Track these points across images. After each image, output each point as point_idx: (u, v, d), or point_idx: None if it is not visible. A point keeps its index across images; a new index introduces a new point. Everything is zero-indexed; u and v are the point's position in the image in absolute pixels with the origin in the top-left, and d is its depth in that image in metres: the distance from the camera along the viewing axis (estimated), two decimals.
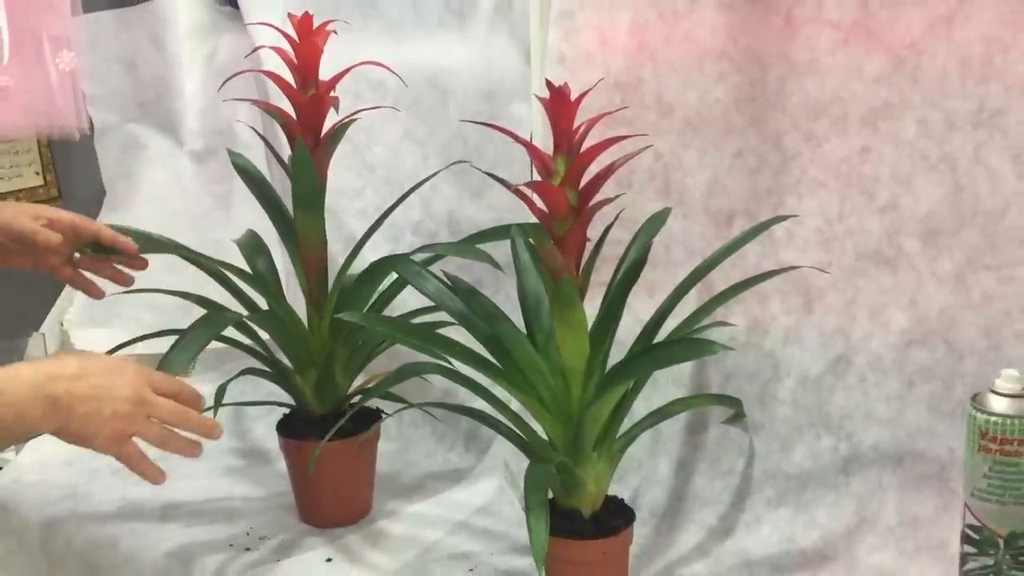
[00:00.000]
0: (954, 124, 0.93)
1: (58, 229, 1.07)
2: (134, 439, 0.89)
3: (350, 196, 1.38)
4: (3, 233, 1.06)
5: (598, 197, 0.87)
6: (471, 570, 1.02)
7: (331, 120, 1.08)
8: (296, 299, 1.16)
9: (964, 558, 0.85)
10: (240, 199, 1.46)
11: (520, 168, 1.17)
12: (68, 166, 1.68)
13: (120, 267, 1.12)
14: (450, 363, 0.96)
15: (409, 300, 1.19)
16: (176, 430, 0.90)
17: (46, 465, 1.28)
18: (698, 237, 1.09)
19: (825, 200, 1.01)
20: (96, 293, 1.14)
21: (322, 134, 1.07)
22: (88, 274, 1.12)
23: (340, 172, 1.34)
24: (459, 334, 0.97)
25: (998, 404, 0.81)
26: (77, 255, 1.10)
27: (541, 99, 0.87)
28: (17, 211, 1.07)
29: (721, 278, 1.04)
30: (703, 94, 1.06)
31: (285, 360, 1.13)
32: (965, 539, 0.85)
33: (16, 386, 0.82)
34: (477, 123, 1.01)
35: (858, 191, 0.99)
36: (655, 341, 0.95)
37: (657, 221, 1.01)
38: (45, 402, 0.83)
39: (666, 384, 1.10)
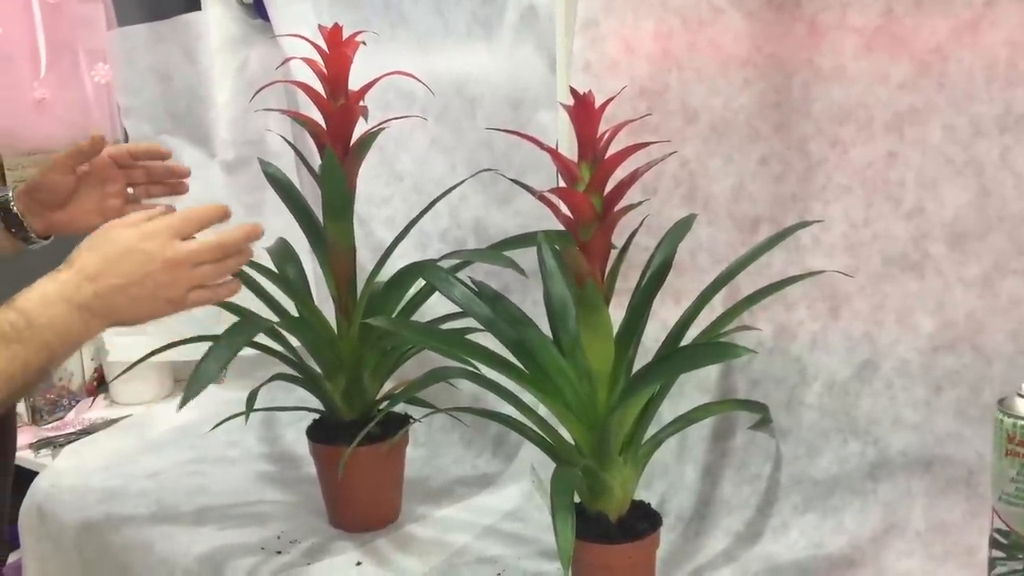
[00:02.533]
0: (980, 129, 0.93)
1: (81, 167, 1.08)
2: (193, 289, 0.88)
3: (378, 204, 1.40)
4: (42, 193, 1.07)
5: (623, 203, 0.88)
6: (499, 574, 1.03)
7: (360, 129, 1.09)
8: (325, 306, 1.17)
9: (992, 563, 0.85)
10: (271, 208, 1.48)
11: (546, 175, 1.18)
12: None
13: (170, 181, 1.15)
14: (477, 368, 0.97)
15: (437, 306, 1.21)
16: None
17: (82, 469, 1.31)
18: (723, 243, 1.09)
19: (851, 205, 1.01)
20: (182, 190, 1.15)
21: (351, 143, 1.09)
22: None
23: (369, 180, 1.36)
24: (486, 340, 0.98)
25: None
26: (130, 190, 1.12)
27: (566, 106, 0.88)
28: (47, 173, 1.08)
29: (747, 285, 1.04)
30: (728, 100, 1.06)
31: (315, 366, 1.14)
32: (993, 544, 0.84)
33: (46, 307, 0.81)
34: (503, 131, 1.02)
35: (884, 196, 0.99)
36: (680, 346, 0.96)
37: (682, 227, 1.02)
38: (80, 312, 0.82)
39: (692, 390, 1.11)
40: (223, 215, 0.93)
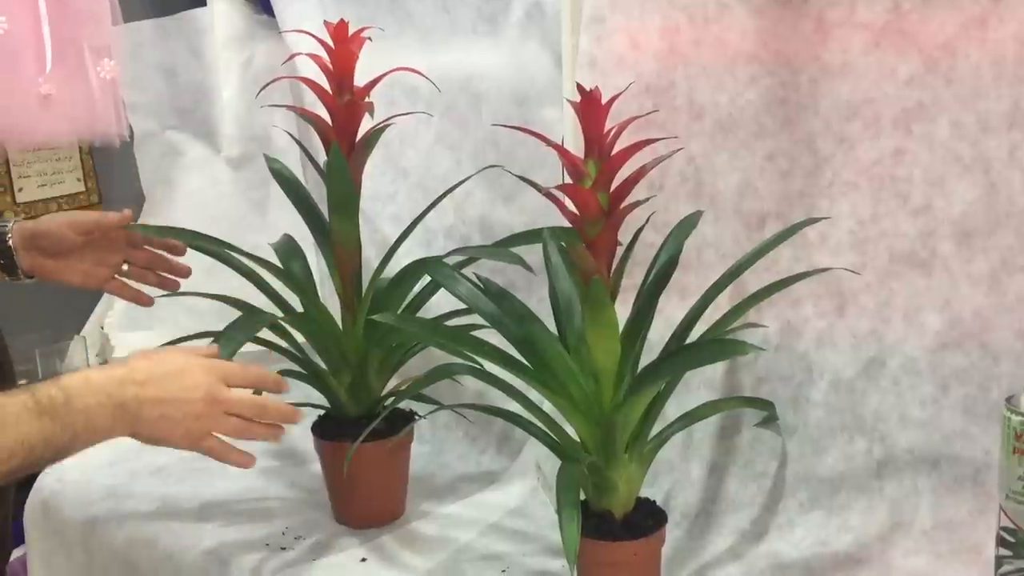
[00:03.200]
0: (988, 125, 0.92)
1: (93, 234, 1.10)
2: (213, 435, 0.89)
3: (384, 200, 1.40)
4: (45, 239, 1.08)
5: (629, 200, 0.88)
6: (504, 571, 1.03)
7: (366, 126, 1.09)
8: (331, 302, 1.17)
9: (999, 561, 0.84)
10: (276, 204, 1.48)
11: (552, 172, 1.18)
12: (108, 172, 1.72)
13: (165, 274, 1.15)
14: (482, 365, 0.97)
15: (442, 303, 1.20)
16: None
17: (88, 465, 1.31)
18: (730, 240, 1.09)
19: (858, 202, 1.00)
20: (146, 302, 1.17)
21: (357, 139, 1.09)
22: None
23: (374, 177, 1.36)
24: (492, 337, 0.98)
25: None
26: (125, 267, 1.13)
27: (572, 103, 0.88)
28: (61, 223, 1.10)
29: (754, 282, 1.04)
30: (734, 97, 1.06)
31: (320, 362, 1.14)
32: (1000, 542, 0.84)
33: (86, 393, 0.82)
34: (509, 127, 1.01)
35: (891, 193, 0.98)
36: (686, 343, 0.95)
37: (688, 224, 1.01)
38: (115, 409, 0.83)
39: (698, 387, 1.10)
40: (277, 387, 0.95)
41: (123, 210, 1.13)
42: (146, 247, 1.15)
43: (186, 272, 1.16)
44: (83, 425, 0.82)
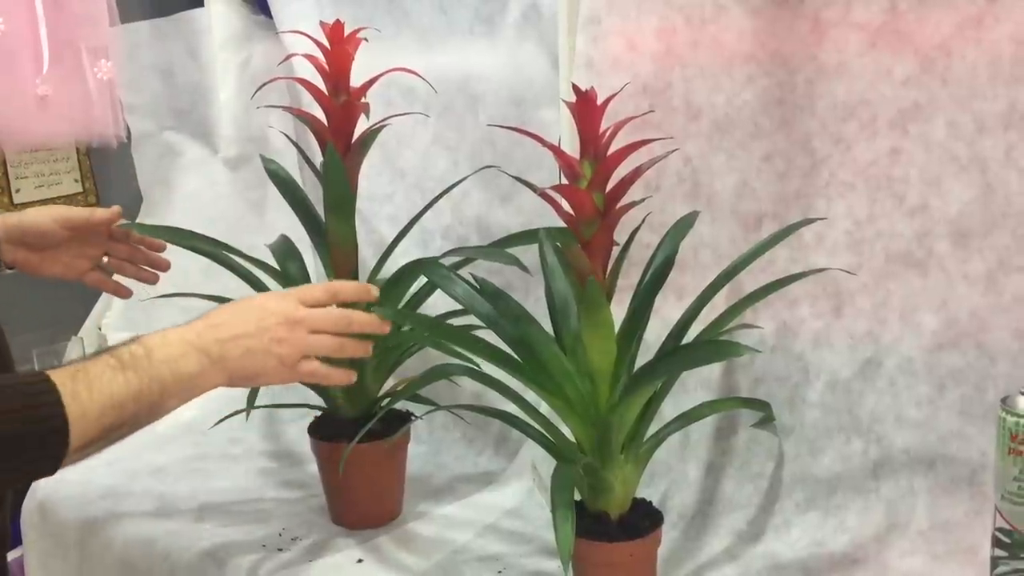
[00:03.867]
0: (984, 125, 0.92)
1: (80, 230, 1.10)
2: (307, 358, 0.88)
3: (381, 201, 1.40)
4: (32, 234, 1.08)
5: (625, 200, 0.88)
6: (500, 572, 1.03)
7: (362, 126, 1.09)
8: None
9: (995, 562, 0.84)
10: (273, 205, 1.48)
11: (548, 173, 1.18)
12: (106, 173, 1.72)
13: (144, 267, 1.15)
14: (478, 365, 0.97)
15: (439, 304, 1.20)
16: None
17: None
18: (727, 241, 1.09)
19: (854, 203, 1.00)
20: (124, 294, 1.17)
21: (353, 140, 1.09)
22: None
23: (371, 178, 1.36)
24: (488, 338, 0.98)
25: None
26: (106, 259, 1.13)
27: (568, 103, 0.88)
28: (47, 218, 1.09)
29: (750, 283, 1.04)
30: (731, 97, 1.06)
31: None
32: (996, 543, 0.84)
33: (165, 345, 0.81)
34: (505, 127, 1.01)
35: (888, 193, 0.98)
36: (682, 344, 0.95)
37: (685, 225, 1.01)
38: (198, 355, 0.82)
39: (695, 388, 1.10)
40: (365, 295, 0.93)
41: (112, 206, 1.12)
42: (127, 242, 1.14)
43: (165, 266, 1.16)
44: (170, 375, 0.80)
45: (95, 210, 1.12)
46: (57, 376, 0.75)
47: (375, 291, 0.92)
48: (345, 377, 0.91)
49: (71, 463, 0.76)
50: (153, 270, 1.16)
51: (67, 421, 0.73)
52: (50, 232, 1.09)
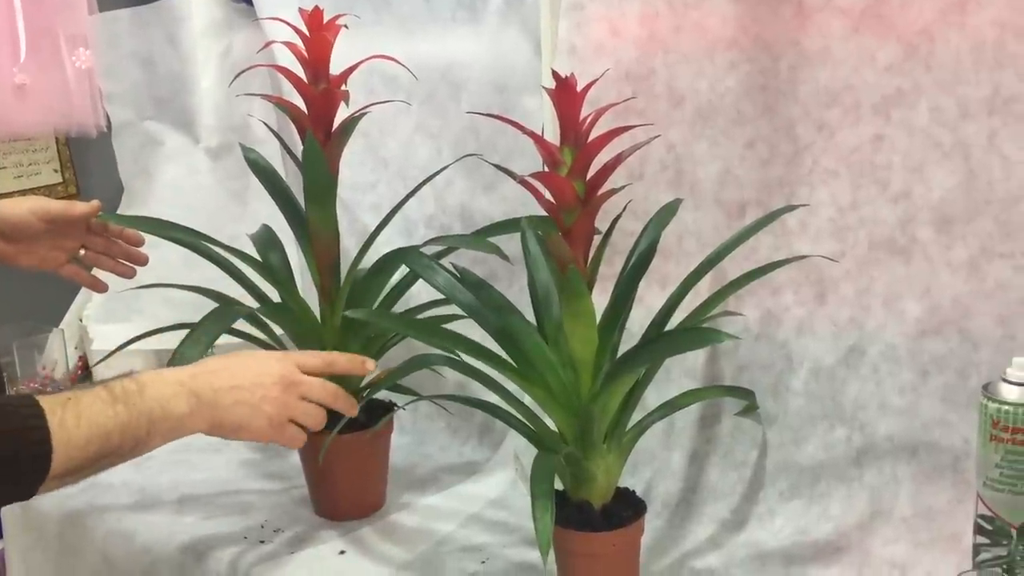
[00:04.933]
0: (968, 111, 0.92)
1: (58, 223, 1.09)
2: (292, 423, 0.89)
3: (364, 190, 1.38)
4: (8, 226, 1.07)
5: (606, 188, 0.87)
6: (483, 562, 1.02)
7: (343, 115, 1.08)
8: (310, 294, 1.16)
9: (977, 548, 0.84)
10: (256, 194, 1.47)
11: (531, 161, 1.17)
12: (86, 163, 1.70)
13: (121, 261, 1.15)
14: (459, 356, 0.96)
15: (422, 293, 1.20)
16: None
17: None
18: (710, 228, 1.08)
19: (837, 189, 1.00)
20: (100, 288, 1.16)
21: (333, 128, 1.08)
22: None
23: (354, 167, 1.35)
24: (471, 327, 0.97)
25: (1010, 393, 0.81)
26: (82, 252, 1.12)
27: (547, 90, 0.87)
28: (25, 210, 1.08)
29: (734, 271, 1.03)
30: (714, 84, 1.05)
31: None
32: (978, 529, 0.84)
33: (159, 383, 0.82)
34: (485, 115, 1.00)
35: (871, 180, 0.98)
36: (664, 331, 0.95)
37: (668, 212, 1.01)
38: (189, 397, 0.83)
39: (679, 376, 1.10)
40: (360, 368, 0.95)
41: (92, 200, 1.11)
42: (104, 235, 1.13)
43: (143, 260, 1.15)
44: (159, 412, 0.81)
45: (74, 204, 1.11)
46: (47, 402, 0.76)
47: (370, 364, 0.95)
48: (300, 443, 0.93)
49: (48, 490, 0.77)
50: (130, 264, 1.15)
51: (51, 447, 0.74)
52: (27, 224, 1.08)
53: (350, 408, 0.93)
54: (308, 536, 1.09)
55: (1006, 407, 0.80)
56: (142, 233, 1.15)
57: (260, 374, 0.87)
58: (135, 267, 1.15)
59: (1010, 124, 0.89)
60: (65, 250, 1.12)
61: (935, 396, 0.95)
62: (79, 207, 1.10)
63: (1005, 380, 0.82)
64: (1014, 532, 0.81)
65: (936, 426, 0.95)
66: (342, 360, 0.93)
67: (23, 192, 1.61)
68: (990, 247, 0.91)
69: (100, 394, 0.79)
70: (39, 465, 0.74)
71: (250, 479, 1.23)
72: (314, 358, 0.92)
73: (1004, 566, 0.82)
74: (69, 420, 0.76)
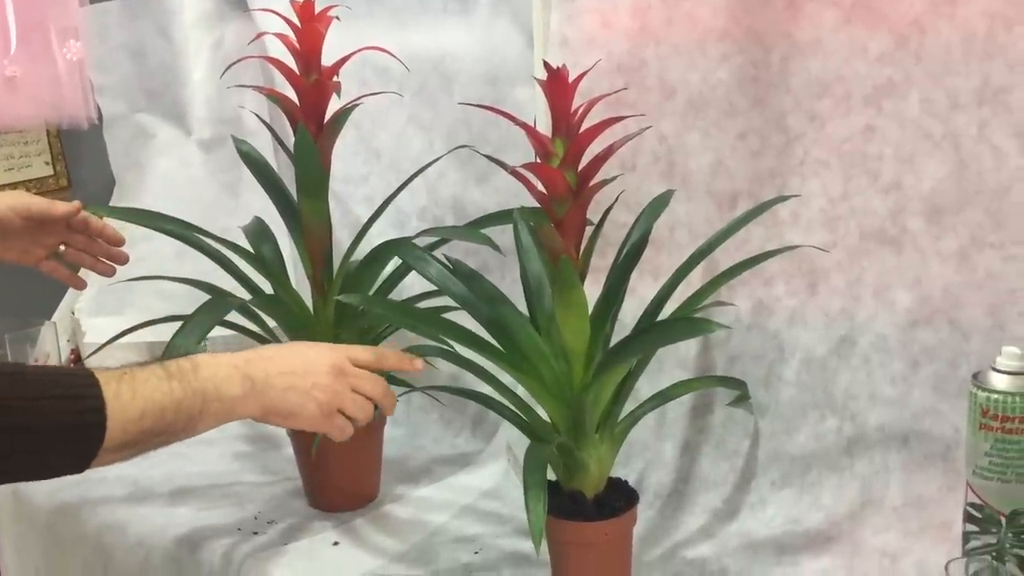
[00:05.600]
0: (958, 102, 0.92)
1: (38, 220, 1.08)
2: (340, 413, 0.88)
3: (356, 182, 1.38)
4: None
5: (598, 179, 0.87)
6: (477, 552, 1.03)
7: (335, 106, 1.08)
8: (303, 287, 1.16)
9: (966, 536, 0.85)
10: (248, 187, 1.46)
11: (524, 152, 1.17)
12: (77, 156, 1.69)
13: (103, 259, 1.14)
14: (452, 347, 0.96)
15: (415, 285, 1.20)
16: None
17: None
18: (702, 220, 1.08)
19: (829, 180, 1.00)
20: (79, 285, 1.17)
21: (325, 120, 1.07)
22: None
23: (346, 159, 1.35)
24: (463, 318, 0.98)
25: (999, 382, 0.81)
26: (62, 248, 1.12)
27: (539, 81, 0.87)
28: (5, 207, 1.08)
29: (726, 262, 1.03)
30: (706, 75, 1.05)
31: None
32: (967, 517, 0.84)
33: (215, 364, 0.82)
34: (476, 106, 1.00)
35: (862, 171, 0.98)
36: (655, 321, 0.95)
37: (660, 203, 1.01)
38: (243, 380, 0.83)
39: (671, 366, 1.10)
40: (409, 365, 0.94)
41: (73, 201, 1.11)
42: (85, 233, 1.12)
43: (124, 259, 1.15)
44: (213, 392, 0.81)
45: (55, 203, 1.10)
46: (102, 375, 0.76)
47: (419, 363, 0.94)
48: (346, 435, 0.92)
49: (102, 464, 0.76)
50: (111, 263, 1.15)
51: (106, 416, 0.74)
52: (6, 220, 1.07)
53: (392, 407, 0.93)
54: (301, 527, 1.09)
55: (995, 396, 0.81)
56: (130, 225, 1.14)
57: (312, 362, 0.87)
58: (115, 265, 1.15)
59: (1000, 115, 0.90)
60: (45, 246, 1.11)
61: (926, 385, 0.95)
62: (60, 207, 1.09)
63: (995, 369, 0.82)
64: (1003, 520, 0.82)
65: (926, 415, 0.95)
66: (392, 356, 0.93)
67: (14, 185, 1.60)
68: (980, 237, 0.92)
69: (156, 371, 0.79)
70: (94, 434, 0.73)
71: (243, 471, 1.24)
72: (365, 352, 0.91)
73: (993, 554, 0.82)
74: (124, 392, 0.75)
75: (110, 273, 1.15)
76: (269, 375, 0.84)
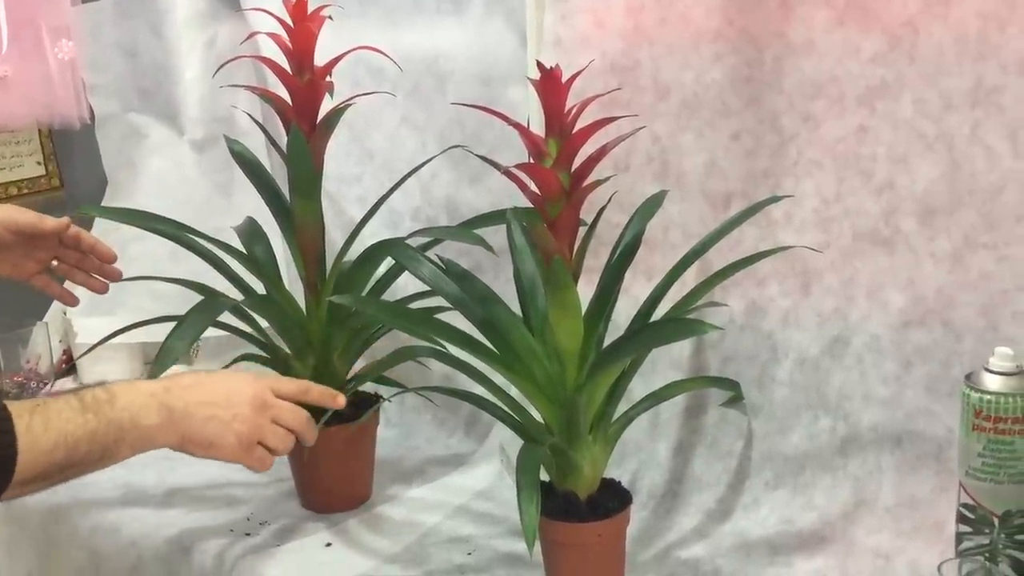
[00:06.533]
0: (951, 102, 0.92)
1: (27, 235, 1.08)
2: (260, 445, 0.89)
3: (349, 182, 1.38)
4: None
5: (591, 179, 0.87)
6: (470, 554, 1.02)
7: (328, 106, 1.08)
8: (296, 287, 1.16)
9: (959, 537, 0.85)
10: (241, 187, 1.46)
11: (518, 152, 1.16)
12: (70, 155, 1.68)
13: (95, 275, 1.14)
14: (445, 347, 0.96)
15: (408, 285, 1.20)
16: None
17: None
18: (696, 220, 1.08)
19: (822, 181, 1.00)
20: (71, 301, 1.16)
21: (318, 119, 1.07)
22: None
23: (340, 159, 1.34)
24: (457, 318, 0.97)
25: (992, 382, 0.81)
26: (55, 263, 1.12)
27: (532, 81, 0.87)
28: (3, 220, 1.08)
29: (720, 263, 1.03)
30: (699, 75, 1.05)
31: (284, 346, 1.13)
32: (960, 518, 0.84)
33: (132, 393, 0.82)
34: (469, 106, 1.00)
35: (855, 171, 0.98)
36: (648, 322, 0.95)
37: (653, 204, 1.01)
38: (160, 409, 0.83)
39: (665, 367, 1.10)
40: (332, 402, 0.95)
41: (63, 218, 1.11)
42: (77, 248, 1.12)
43: (116, 276, 1.15)
44: (129, 422, 0.81)
45: (44, 218, 1.10)
46: (15, 407, 0.76)
47: (341, 400, 0.95)
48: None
49: (12, 497, 0.76)
50: (103, 279, 1.14)
51: (16, 451, 0.74)
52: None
53: (313, 438, 0.93)
54: (294, 528, 1.09)
55: (988, 397, 0.81)
56: (123, 225, 1.14)
57: (234, 393, 0.87)
58: (107, 282, 1.15)
59: (993, 116, 0.90)
60: (37, 261, 1.11)
61: (919, 386, 0.95)
62: (49, 223, 1.09)
63: (987, 370, 0.82)
64: (996, 521, 0.82)
65: (920, 416, 0.95)
66: (316, 390, 0.94)
67: (5, 185, 1.60)
68: (973, 238, 0.92)
69: (70, 402, 0.79)
70: (3, 468, 0.74)
71: (236, 472, 1.21)
72: (289, 384, 0.92)
73: (986, 554, 0.82)
74: (36, 425, 0.75)
75: (102, 290, 1.15)
76: (188, 404, 0.84)
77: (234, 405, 0.86)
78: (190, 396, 0.85)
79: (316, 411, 1.01)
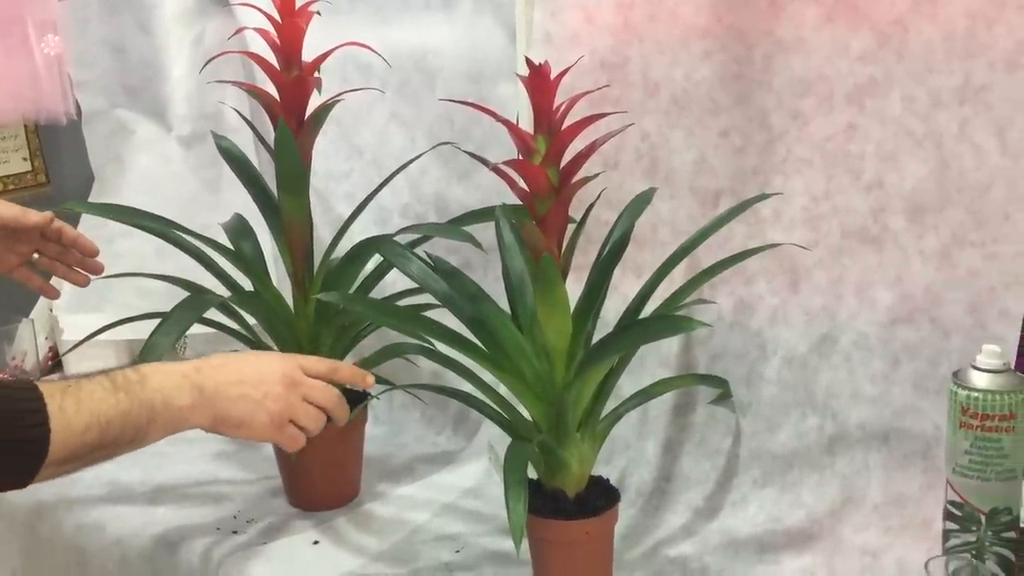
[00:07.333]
0: (939, 100, 0.92)
1: (10, 228, 1.07)
2: (292, 423, 0.88)
3: (338, 179, 1.38)
4: None
5: (580, 176, 0.87)
6: (457, 551, 1.02)
7: (316, 102, 1.07)
8: (284, 284, 1.16)
9: (946, 534, 0.85)
10: (228, 183, 1.45)
11: (506, 149, 1.16)
12: (56, 152, 1.68)
13: (77, 268, 1.13)
14: (433, 344, 0.96)
15: (397, 282, 1.19)
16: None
17: None
18: (685, 217, 1.08)
19: (811, 178, 1.00)
20: (52, 294, 1.16)
21: (306, 116, 1.07)
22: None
23: (328, 155, 1.34)
24: (445, 315, 0.97)
25: (979, 380, 0.81)
26: (36, 256, 1.11)
27: (521, 78, 0.86)
28: None
29: (709, 260, 1.03)
30: (689, 72, 1.05)
31: (271, 343, 1.12)
32: (947, 515, 0.85)
33: (162, 374, 0.81)
34: (458, 102, 1.00)
35: (844, 169, 0.98)
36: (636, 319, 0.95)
37: (642, 201, 1.00)
38: (192, 390, 0.82)
39: (653, 365, 1.10)
40: (362, 380, 0.94)
41: (45, 212, 1.10)
42: (59, 242, 1.11)
43: (98, 270, 1.14)
44: (161, 403, 0.80)
45: (28, 212, 1.09)
46: (46, 387, 0.75)
47: (370, 379, 0.94)
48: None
49: (47, 478, 0.75)
50: (85, 272, 1.14)
51: (49, 430, 0.73)
52: None
53: (344, 417, 0.92)
54: (281, 526, 1.09)
55: (975, 394, 0.81)
56: (109, 221, 1.13)
57: (265, 371, 0.86)
58: (90, 276, 1.14)
59: (981, 113, 0.90)
60: (18, 254, 1.10)
61: (906, 384, 0.95)
62: (32, 216, 1.09)
63: (975, 367, 0.82)
64: (983, 518, 0.82)
65: (907, 413, 0.95)
66: (345, 369, 0.93)
67: None
68: (961, 235, 0.92)
69: (102, 382, 0.78)
70: (37, 449, 0.73)
71: (223, 470, 1.23)
72: (318, 362, 0.91)
73: (973, 551, 0.82)
74: (68, 406, 0.75)
75: (83, 283, 1.14)
76: (219, 384, 0.83)
77: (265, 383, 0.85)
78: (220, 376, 0.84)
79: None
